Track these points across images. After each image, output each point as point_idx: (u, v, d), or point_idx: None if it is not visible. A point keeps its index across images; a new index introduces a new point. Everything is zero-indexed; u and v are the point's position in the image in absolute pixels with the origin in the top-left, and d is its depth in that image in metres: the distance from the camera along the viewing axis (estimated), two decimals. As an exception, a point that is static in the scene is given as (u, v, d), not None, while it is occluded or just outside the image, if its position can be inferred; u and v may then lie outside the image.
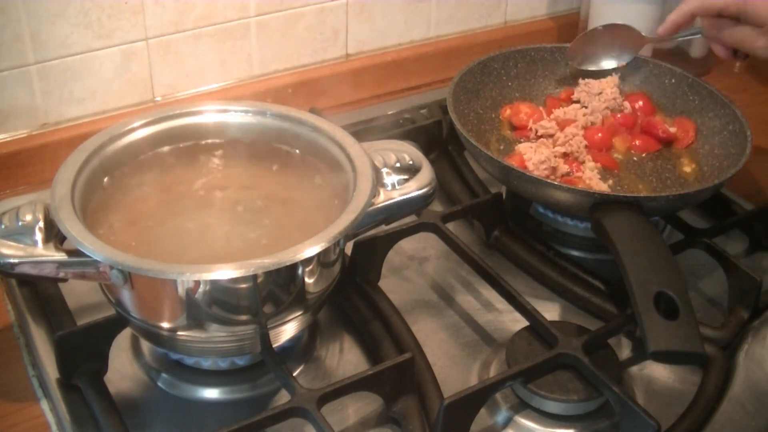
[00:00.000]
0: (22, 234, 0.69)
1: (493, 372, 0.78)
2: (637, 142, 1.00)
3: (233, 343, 0.71)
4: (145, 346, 0.80)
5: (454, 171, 1.03)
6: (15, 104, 0.98)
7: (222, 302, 0.68)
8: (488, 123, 1.03)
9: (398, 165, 0.78)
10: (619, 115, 1.02)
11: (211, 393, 0.76)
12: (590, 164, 0.95)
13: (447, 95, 0.97)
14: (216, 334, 0.70)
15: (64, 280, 0.71)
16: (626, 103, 1.04)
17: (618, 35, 1.07)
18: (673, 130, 1.01)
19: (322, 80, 1.15)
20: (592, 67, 1.08)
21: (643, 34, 1.06)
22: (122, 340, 0.79)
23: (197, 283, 0.66)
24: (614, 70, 1.07)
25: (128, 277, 0.67)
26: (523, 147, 0.96)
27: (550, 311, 0.85)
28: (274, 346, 0.73)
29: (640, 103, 1.04)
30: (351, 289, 0.84)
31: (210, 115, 0.83)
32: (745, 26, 0.91)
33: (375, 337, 0.80)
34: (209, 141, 0.83)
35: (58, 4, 0.94)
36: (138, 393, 0.76)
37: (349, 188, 0.75)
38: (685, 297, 0.72)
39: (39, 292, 0.84)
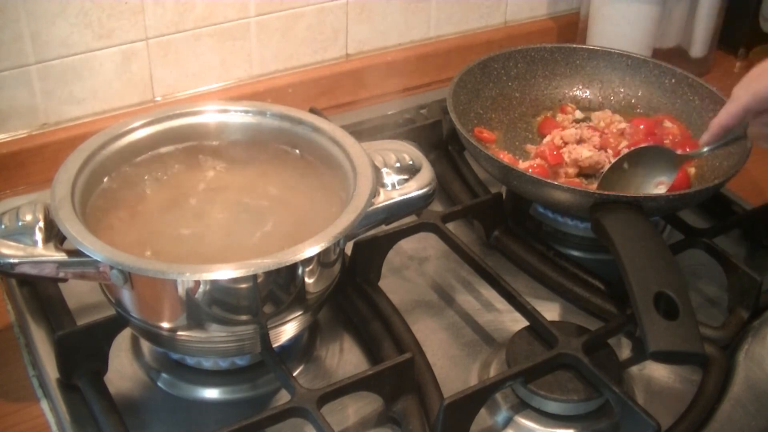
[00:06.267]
0: (22, 234, 0.69)
1: (493, 372, 0.78)
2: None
3: (233, 343, 0.71)
4: (145, 346, 0.80)
5: (454, 171, 1.03)
6: (15, 104, 0.98)
7: (222, 302, 0.68)
8: (488, 123, 1.03)
9: (398, 165, 0.78)
10: None
11: (211, 393, 0.76)
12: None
13: (447, 95, 0.97)
14: (216, 334, 0.70)
15: (64, 280, 0.71)
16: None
17: (646, 160, 0.90)
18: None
19: (322, 80, 1.15)
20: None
21: (677, 152, 0.89)
22: (122, 340, 0.79)
23: (197, 283, 0.66)
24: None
25: (128, 277, 0.67)
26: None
27: (550, 311, 0.85)
28: (274, 346, 0.73)
29: (668, 123, 1.00)
30: (351, 289, 0.84)
31: (210, 115, 0.83)
32: None
33: (375, 337, 0.80)
34: (209, 141, 0.83)
35: (58, 4, 0.94)
36: (138, 393, 0.76)
37: (349, 188, 0.74)
38: (685, 297, 0.72)
39: (39, 292, 0.84)
